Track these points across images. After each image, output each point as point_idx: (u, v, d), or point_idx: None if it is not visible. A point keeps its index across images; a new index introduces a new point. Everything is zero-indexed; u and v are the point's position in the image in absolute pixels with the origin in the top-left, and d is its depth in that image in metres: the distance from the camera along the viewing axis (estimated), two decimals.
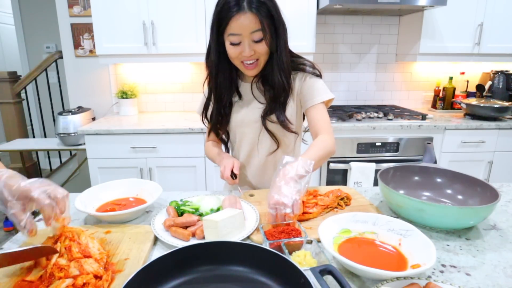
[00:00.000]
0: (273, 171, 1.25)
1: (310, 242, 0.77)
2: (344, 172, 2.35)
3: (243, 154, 1.26)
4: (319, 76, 1.16)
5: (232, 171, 1.13)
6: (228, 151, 1.35)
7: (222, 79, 1.14)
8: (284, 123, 1.14)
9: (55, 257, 0.69)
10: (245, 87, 1.20)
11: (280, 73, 1.09)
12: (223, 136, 1.30)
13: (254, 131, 1.21)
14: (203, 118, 1.25)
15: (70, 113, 2.59)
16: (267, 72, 1.12)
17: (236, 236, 0.84)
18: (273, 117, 1.14)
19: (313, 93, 1.13)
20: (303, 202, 1.00)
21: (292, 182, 0.88)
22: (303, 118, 1.25)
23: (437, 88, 2.88)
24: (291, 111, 1.17)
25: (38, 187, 0.68)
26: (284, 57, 1.08)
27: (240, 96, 1.20)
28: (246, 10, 0.97)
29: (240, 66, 1.09)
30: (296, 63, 1.16)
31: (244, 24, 0.98)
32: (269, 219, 0.89)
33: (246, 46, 1.02)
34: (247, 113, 1.20)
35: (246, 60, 1.06)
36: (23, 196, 0.67)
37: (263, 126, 1.16)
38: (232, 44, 1.03)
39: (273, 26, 1.03)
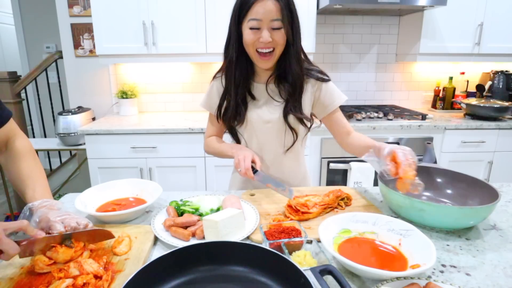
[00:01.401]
0: (291, 166, 1.28)
1: (310, 242, 0.77)
2: (344, 172, 2.35)
3: (259, 152, 1.25)
4: (329, 79, 1.21)
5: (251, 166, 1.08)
6: None
7: (239, 73, 1.14)
8: (303, 119, 1.18)
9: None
10: (258, 88, 1.20)
11: (296, 65, 1.12)
12: (234, 133, 1.27)
13: (272, 128, 1.21)
14: (218, 117, 1.24)
15: (70, 113, 2.59)
16: (282, 69, 1.14)
17: (236, 236, 0.84)
18: (293, 111, 1.17)
19: (332, 97, 1.21)
20: (302, 204, 1.00)
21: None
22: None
23: (437, 88, 2.88)
24: (307, 109, 1.21)
25: (56, 216, 0.79)
26: (299, 49, 1.12)
27: (253, 97, 1.20)
28: None
29: (255, 55, 1.09)
30: (306, 69, 1.18)
31: (266, 9, 1.01)
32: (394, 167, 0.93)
33: (265, 32, 1.03)
34: (263, 112, 1.20)
35: (263, 48, 1.06)
36: (44, 223, 0.77)
37: (286, 123, 1.19)
38: (251, 29, 1.04)
39: (291, 18, 1.06)
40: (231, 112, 1.19)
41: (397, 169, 0.92)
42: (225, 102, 1.20)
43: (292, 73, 1.13)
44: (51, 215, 0.79)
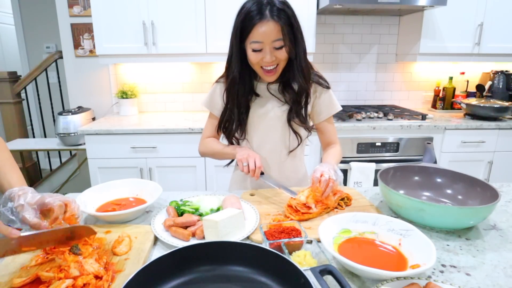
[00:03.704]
0: (292, 166, 1.29)
1: (310, 242, 0.77)
2: (344, 172, 2.35)
3: (260, 152, 1.25)
4: (329, 87, 1.23)
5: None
6: None
7: (243, 88, 1.16)
8: (306, 124, 1.20)
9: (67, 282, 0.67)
10: (261, 87, 1.22)
11: (301, 78, 1.13)
12: (233, 141, 1.28)
13: (275, 128, 1.22)
14: (220, 129, 1.25)
15: (70, 113, 2.59)
16: (286, 78, 1.16)
17: (236, 236, 0.84)
18: (297, 119, 1.18)
19: (327, 106, 1.24)
20: (303, 204, 1.00)
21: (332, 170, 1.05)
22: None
23: (437, 88, 2.88)
24: (307, 112, 1.22)
25: (50, 196, 0.81)
26: (303, 62, 1.13)
27: (257, 95, 1.21)
28: (268, 18, 1.00)
29: (259, 71, 1.12)
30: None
31: (267, 32, 1.01)
32: (312, 186, 1.02)
33: (268, 53, 1.05)
34: (267, 108, 1.21)
35: (266, 66, 1.09)
36: (39, 202, 0.79)
37: (289, 126, 1.20)
38: (254, 50, 1.06)
39: (292, 34, 1.05)
40: (233, 125, 1.21)
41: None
42: (225, 115, 1.21)
43: (297, 85, 1.15)
44: (44, 195, 0.80)
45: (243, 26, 1.03)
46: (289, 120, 1.19)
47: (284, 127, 1.22)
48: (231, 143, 1.27)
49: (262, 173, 1.09)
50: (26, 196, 0.78)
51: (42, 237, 0.73)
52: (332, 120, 1.28)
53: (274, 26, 1.01)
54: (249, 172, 1.07)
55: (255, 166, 1.06)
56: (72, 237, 0.78)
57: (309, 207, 0.98)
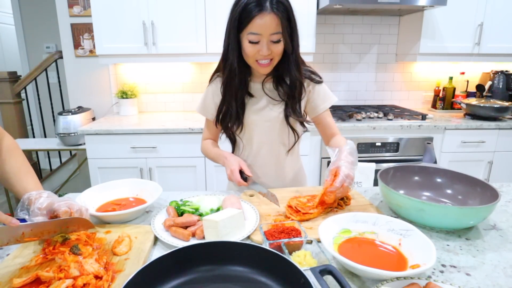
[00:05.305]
0: (291, 164, 1.30)
1: (310, 242, 0.77)
2: None
3: (259, 153, 1.26)
4: (322, 81, 1.23)
5: (241, 173, 1.14)
6: (233, 151, 1.34)
7: (238, 80, 1.14)
8: (302, 119, 1.20)
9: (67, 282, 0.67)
10: (255, 87, 1.21)
11: (296, 70, 1.13)
12: (231, 137, 1.29)
13: (272, 128, 1.22)
14: (217, 122, 1.25)
15: (70, 113, 2.59)
16: (281, 72, 1.15)
17: (236, 236, 0.84)
18: (294, 114, 1.18)
19: (323, 99, 1.23)
20: (303, 204, 1.01)
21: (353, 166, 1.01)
22: None
23: (437, 88, 2.88)
24: (301, 108, 1.23)
25: (59, 201, 0.85)
26: (298, 56, 1.13)
27: (251, 95, 1.21)
28: (268, 11, 0.99)
29: (254, 64, 1.11)
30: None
31: (266, 24, 1.00)
32: (331, 181, 0.97)
33: (264, 46, 1.04)
34: (263, 111, 1.21)
35: (262, 60, 1.08)
36: (49, 208, 0.82)
37: (287, 123, 1.20)
38: (250, 42, 1.04)
39: (290, 28, 1.05)
40: (230, 118, 1.20)
41: (332, 182, 0.97)
42: (223, 108, 1.20)
43: (291, 78, 1.14)
44: (55, 199, 0.83)
45: (242, 17, 1.02)
46: (286, 117, 1.19)
47: (281, 126, 1.22)
48: (229, 137, 1.28)
49: (246, 179, 1.12)
50: (39, 201, 0.81)
51: (41, 227, 0.76)
52: (329, 112, 1.26)
53: (274, 18, 1.00)
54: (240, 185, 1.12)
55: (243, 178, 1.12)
56: (71, 228, 0.81)
57: (309, 207, 0.98)
